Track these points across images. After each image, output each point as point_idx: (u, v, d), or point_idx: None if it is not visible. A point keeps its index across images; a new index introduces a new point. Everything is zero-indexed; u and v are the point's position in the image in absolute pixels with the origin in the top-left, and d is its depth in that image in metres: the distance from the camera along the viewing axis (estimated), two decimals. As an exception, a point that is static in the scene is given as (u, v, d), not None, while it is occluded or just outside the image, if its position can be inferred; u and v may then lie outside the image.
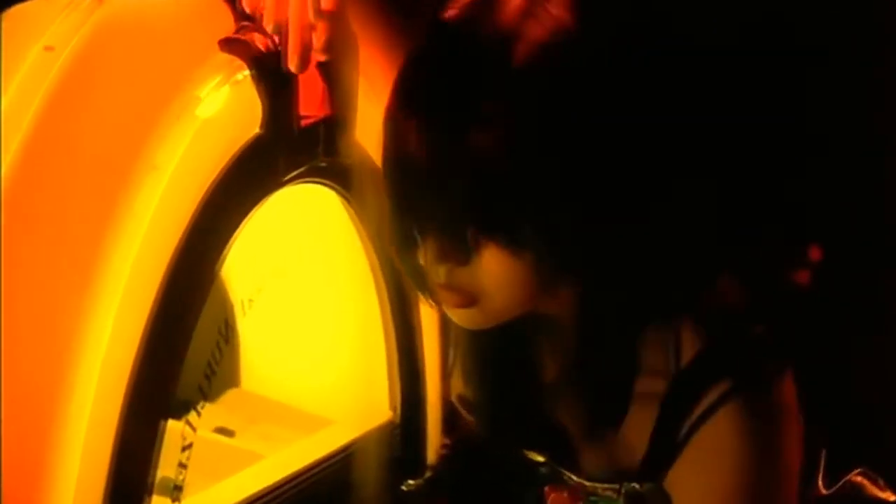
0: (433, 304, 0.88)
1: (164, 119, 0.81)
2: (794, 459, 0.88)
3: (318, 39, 0.83)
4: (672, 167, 0.83)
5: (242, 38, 0.85)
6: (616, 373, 0.86)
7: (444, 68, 0.80)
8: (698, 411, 0.87)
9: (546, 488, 0.93)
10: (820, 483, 0.94)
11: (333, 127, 0.88)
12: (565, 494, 0.92)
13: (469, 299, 0.84)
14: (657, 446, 0.88)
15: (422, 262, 0.83)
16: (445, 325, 0.97)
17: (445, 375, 0.98)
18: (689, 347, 0.88)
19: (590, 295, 0.83)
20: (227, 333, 0.94)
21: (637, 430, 0.89)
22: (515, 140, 0.78)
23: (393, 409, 1.02)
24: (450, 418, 1.01)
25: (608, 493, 0.90)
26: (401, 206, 0.83)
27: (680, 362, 0.87)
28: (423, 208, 0.81)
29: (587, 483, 0.91)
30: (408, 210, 0.83)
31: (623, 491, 0.89)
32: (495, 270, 0.82)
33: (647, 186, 0.82)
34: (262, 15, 0.83)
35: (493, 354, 0.91)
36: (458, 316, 0.86)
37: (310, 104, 0.88)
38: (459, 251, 0.82)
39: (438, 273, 0.83)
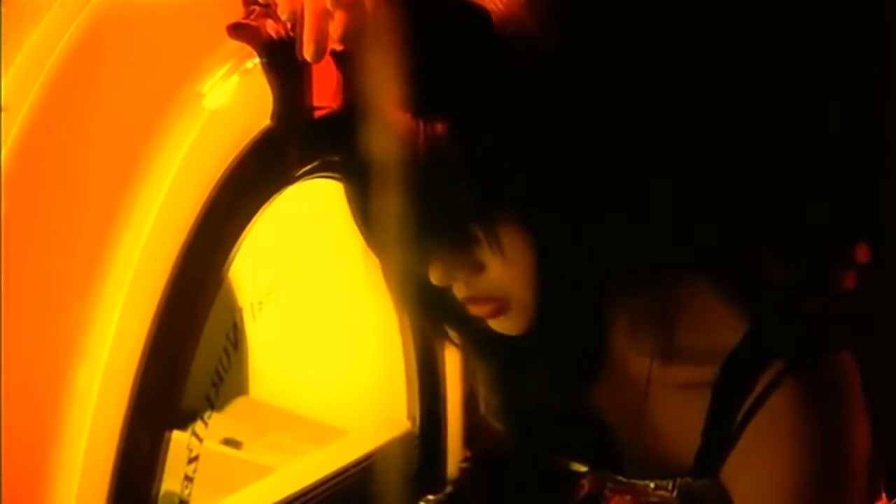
0: (454, 342, 0.90)
1: (168, 111, 0.81)
2: (862, 441, 0.86)
3: (335, 28, 0.83)
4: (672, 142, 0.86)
5: (252, 23, 0.84)
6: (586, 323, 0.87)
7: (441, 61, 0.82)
8: (753, 396, 0.86)
9: (607, 492, 0.93)
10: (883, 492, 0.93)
11: (348, 119, 0.88)
12: (628, 498, 0.91)
13: (499, 305, 0.86)
14: (711, 437, 0.87)
15: (435, 280, 0.85)
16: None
17: (467, 387, 0.99)
18: (729, 328, 0.87)
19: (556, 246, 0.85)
20: (235, 339, 0.94)
21: (685, 423, 0.88)
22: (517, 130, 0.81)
23: (411, 419, 1.02)
24: (472, 429, 1.02)
25: (661, 492, 0.89)
26: (404, 221, 0.85)
27: (724, 344, 0.87)
28: (431, 210, 0.83)
29: (639, 483, 0.91)
30: (415, 220, 0.84)
31: (676, 488, 0.89)
32: (509, 267, 0.84)
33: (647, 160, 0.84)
34: (276, 3, 0.83)
35: (518, 361, 0.92)
36: (500, 325, 0.88)
37: (324, 95, 0.87)
38: (469, 257, 0.84)
39: (459, 289, 0.86)
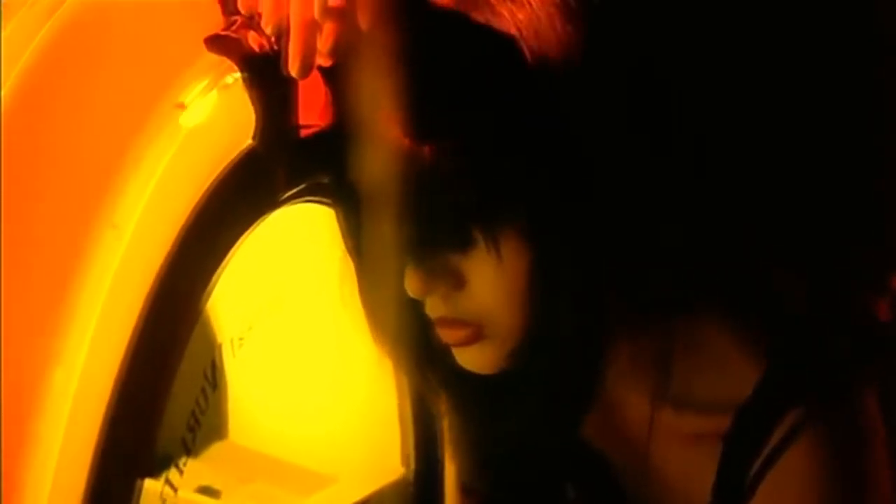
0: (434, 386, 0.90)
1: (141, 130, 0.81)
2: (885, 490, 0.85)
3: (323, 41, 0.83)
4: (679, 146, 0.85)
5: (233, 35, 0.84)
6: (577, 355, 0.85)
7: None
8: (768, 449, 0.85)
9: None
10: None
11: (338, 138, 0.87)
12: None
13: (473, 331, 0.85)
14: (722, 494, 0.86)
15: (411, 290, 0.84)
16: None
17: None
18: (743, 371, 0.86)
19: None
20: (213, 378, 0.94)
21: (693, 477, 0.87)
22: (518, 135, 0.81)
23: (406, 463, 1.02)
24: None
25: None
26: (401, 250, 0.84)
27: (737, 391, 0.86)
28: (423, 215, 0.83)
29: None
30: (410, 235, 0.84)
31: None
32: (495, 285, 0.83)
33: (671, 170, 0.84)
34: (259, 14, 0.83)
35: (499, 403, 0.90)
36: (470, 358, 0.86)
37: (311, 112, 0.87)
38: (454, 266, 0.83)
39: (435, 306, 0.84)
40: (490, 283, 0.84)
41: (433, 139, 0.82)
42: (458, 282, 0.84)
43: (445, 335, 0.86)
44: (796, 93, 0.94)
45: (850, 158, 0.96)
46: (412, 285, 0.84)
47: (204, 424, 0.91)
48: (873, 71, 0.97)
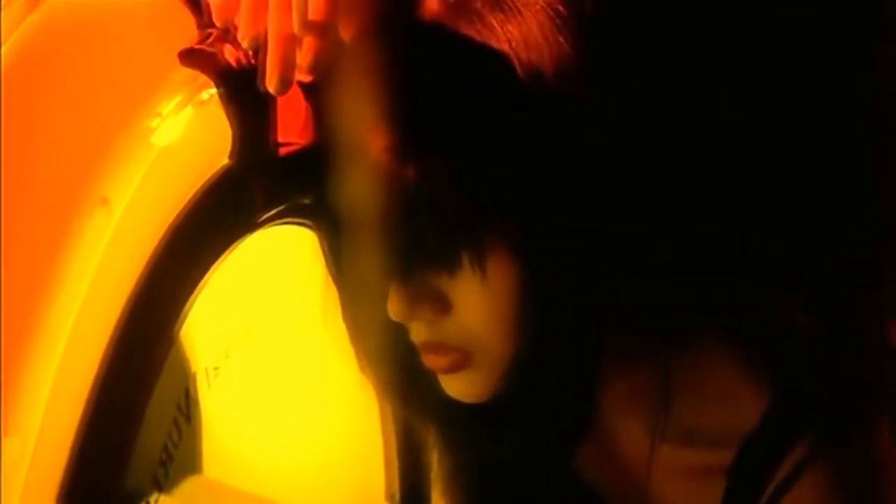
0: (421, 415, 0.90)
1: (111, 148, 0.80)
2: None
3: (303, 56, 0.82)
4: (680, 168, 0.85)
5: (208, 48, 0.83)
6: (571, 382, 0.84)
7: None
8: (774, 483, 0.83)
9: None
10: None
11: (319, 157, 0.86)
12: None
13: (460, 357, 0.84)
14: None
15: (394, 314, 0.84)
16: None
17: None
18: (747, 401, 0.85)
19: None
20: (187, 409, 0.91)
21: None
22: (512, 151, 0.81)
23: (391, 497, 1.01)
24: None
25: None
26: (386, 274, 0.84)
27: (741, 422, 0.84)
28: (411, 236, 0.82)
29: None
30: (388, 249, 0.83)
31: None
32: (484, 309, 0.82)
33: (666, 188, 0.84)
34: (235, 27, 0.82)
35: (486, 434, 0.89)
36: (457, 386, 0.85)
37: (290, 129, 0.87)
38: (439, 288, 0.82)
39: (419, 331, 0.84)
40: (477, 307, 0.83)
41: (418, 157, 0.81)
42: (443, 305, 0.83)
43: (430, 361, 0.85)
44: (803, 108, 0.94)
45: (856, 181, 0.95)
46: (395, 309, 0.83)
47: (177, 458, 0.90)
48: (877, 94, 0.97)
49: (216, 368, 0.94)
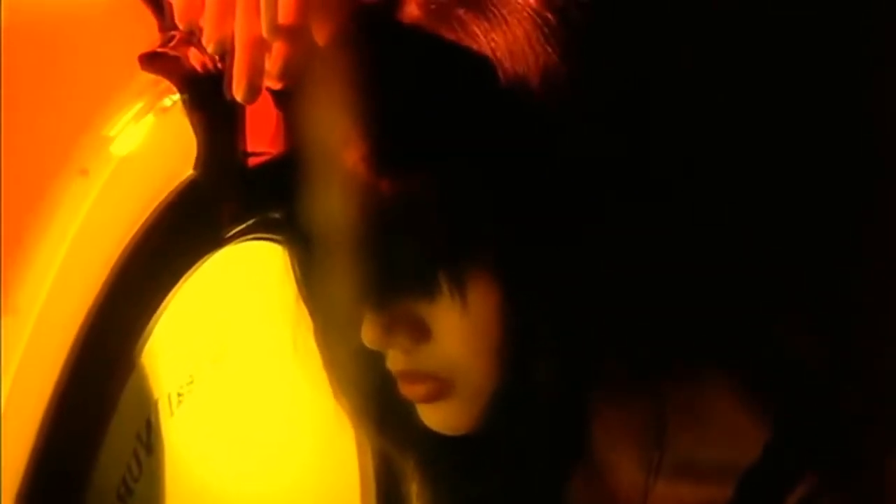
0: (400, 445, 0.89)
1: (67, 158, 0.79)
2: None
3: (272, 62, 0.81)
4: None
5: (171, 52, 0.82)
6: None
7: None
8: None
9: None
10: None
11: (291, 168, 0.85)
12: None
13: (439, 387, 0.83)
14: None
15: (368, 340, 0.83)
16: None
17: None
18: (747, 435, 0.84)
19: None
20: (148, 440, 0.90)
21: None
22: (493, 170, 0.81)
23: None
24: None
25: None
26: (360, 294, 0.83)
27: (740, 457, 0.84)
28: (389, 260, 0.81)
29: None
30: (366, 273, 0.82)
31: None
32: (465, 337, 0.82)
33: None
34: (200, 29, 0.81)
35: (469, 468, 0.89)
36: (436, 416, 0.85)
37: (260, 138, 0.85)
38: (416, 313, 0.82)
39: (395, 359, 0.84)
40: (458, 335, 0.82)
41: (395, 170, 0.80)
42: (422, 332, 0.82)
43: (407, 391, 0.84)
44: (799, 120, 0.94)
45: (856, 205, 0.96)
46: (370, 335, 0.83)
47: (137, 493, 0.88)
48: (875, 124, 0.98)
49: (180, 395, 0.93)
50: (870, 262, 0.98)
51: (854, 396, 0.86)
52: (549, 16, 0.80)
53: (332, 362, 0.88)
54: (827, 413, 0.85)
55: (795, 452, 0.83)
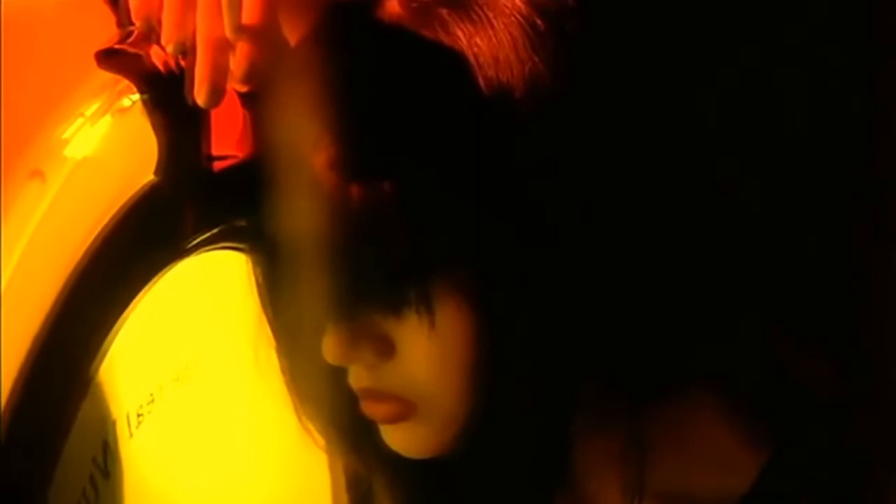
0: (372, 466, 0.88)
1: (17, 163, 0.79)
2: None
3: (237, 64, 0.80)
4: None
5: (130, 49, 0.81)
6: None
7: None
8: None
9: None
10: None
11: (257, 173, 0.84)
12: None
13: (403, 408, 0.82)
14: None
15: (330, 355, 0.82)
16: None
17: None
18: (740, 462, 0.83)
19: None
20: (105, 463, 0.89)
21: None
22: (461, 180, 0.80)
23: None
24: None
25: None
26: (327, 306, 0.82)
27: (735, 480, 0.83)
28: (356, 273, 0.80)
29: None
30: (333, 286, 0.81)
31: None
32: (426, 355, 0.80)
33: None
34: (159, 25, 0.80)
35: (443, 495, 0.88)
36: (399, 439, 0.84)
37: (226, 141, 0.85)
38: (381, 329, 0.81)
39: (358, 376, 0.83)
40: (424, 354, 0.80)
41: (366, 178, 0.79)
42: (386, 348, 0.81)
43: (369, 409, 0.83)
44: (797, 134, 0.96)
45: (864, 222, 0.98)
46: (331, 350, 0.81)
47: None
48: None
49: (139, 415, 0.91)
50: (878, 284, 0.98)
51: (854, 420, 0.85)
52: (539, 21, 0.79)
53: (296, 379, 0.87)
54: (824, 437, 0.84)
55: (791, 480, 0.83)
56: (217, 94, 0.79)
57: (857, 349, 0.93)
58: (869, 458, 0.84)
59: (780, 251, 0.92)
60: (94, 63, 0.81)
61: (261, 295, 0.86)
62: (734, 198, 0.89)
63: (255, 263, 0.86)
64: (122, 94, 0.81)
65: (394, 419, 0.82)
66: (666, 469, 0.84)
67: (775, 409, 0.84)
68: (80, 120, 0.80)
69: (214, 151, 0.84)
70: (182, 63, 0.81)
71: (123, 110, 0.81)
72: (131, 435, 0.91)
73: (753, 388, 0.85)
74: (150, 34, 0.80)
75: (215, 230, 0.86)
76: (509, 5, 0.79)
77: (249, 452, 0.98)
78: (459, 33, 0.79)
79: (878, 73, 1.01)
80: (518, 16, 0.79)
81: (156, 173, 0.81)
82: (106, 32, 0.82)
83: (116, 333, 0.82)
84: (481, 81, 0.78)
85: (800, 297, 0.92)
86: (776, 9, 1.01)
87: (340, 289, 0.81)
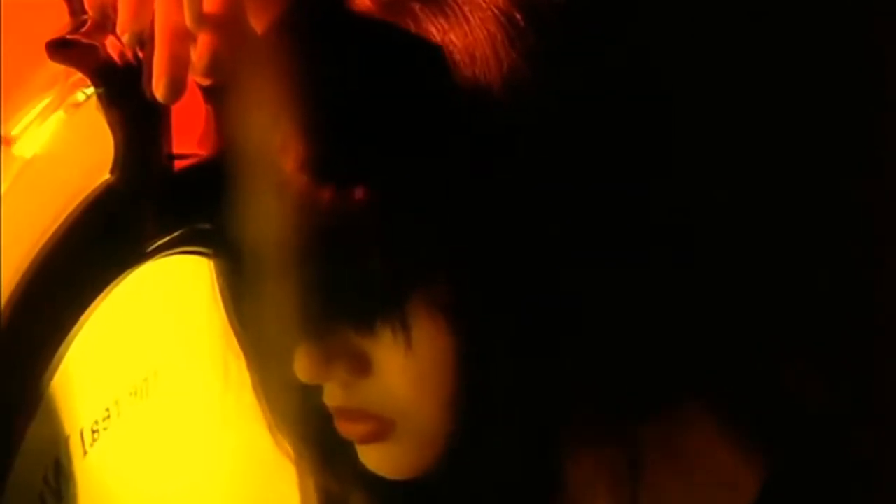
0: (348, 485, 0.87)
1: None
2: None
3: (198, 56, 0.79)
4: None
5: (84, 39, 0.80)
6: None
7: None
8: None
9: None
10: None
11: (222, 172, 0.83)
12: None
13: (379, 428, 0.81)
14: None
15: (302, 373, 0.81)
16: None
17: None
18: (738, 481, 0.83)
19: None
20: (56, 484, 0.87)
21: None
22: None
23: None
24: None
25: None
26: (295, 314, 0.81)
27: (732, 501, 0.83)
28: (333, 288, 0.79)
29: None
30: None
31: None
32: (403, 373, 0.79)
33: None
34: (115, 13, 0.79)
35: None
36: (375, 459, 0.83)
37: (187, 139, 0.84)
38: (357, 346, 0.80)
39: (332, 394, 0.82)
40: (400, 373, 0.79)
41: (339, 180, 0.78)
42: (361, 366, 0.80)
43: (344, 429, 0.82)
44: (792, 139, 0.94)
45: (853, 233, 0.97)
46: (303, 368, 0.81)
47: None
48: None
49: (94, 431, 0.90)
50: (882, 301, 0.98)
51: (860, 439, 0.85)
52: (517, 16, 0.77)
53: (267, 392, 0.86)
54: (826, 456, 0.84)
55: (795, 500, 0.82)
56: (177, 87, 0.78)
57: (857, 365, 0.93)
58: (871, 475, 0.84)
59: (778, 270, 0.91)
60: (44, 54, 0.79)
61: (226, 305, 0.85)
62: (726, 206, 0.87)
63: (219, 271, 0.86)
64: (75, 87, 0.80)
65: (370, 439, 0.82)
66: (656, 489, 0.83)
67: (774, 425, 0.84)
68: (29, 115, 0.79)
69: (175, 149, 0.83)
70: (140, 54, 0.80)
71: (77, 105, 0.80)
72: (85, 453, 0.89)
73: (751, 404, 0.84)
74: (106, 23, 0.79)
75: (176, 234, 0.85)
76: None
77: (211, 472, 0.97)
78: (433, 29, 0.78)
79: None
80: (495, 10, 0.78)
81: (112, 173, 0.81)
82: (57, 21, 0.81)
83: (70, 344, 0.81)
84: (457, 79, 0.77)
85: (798, 313, 0.92)
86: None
87: (310, 302, 0.80)
